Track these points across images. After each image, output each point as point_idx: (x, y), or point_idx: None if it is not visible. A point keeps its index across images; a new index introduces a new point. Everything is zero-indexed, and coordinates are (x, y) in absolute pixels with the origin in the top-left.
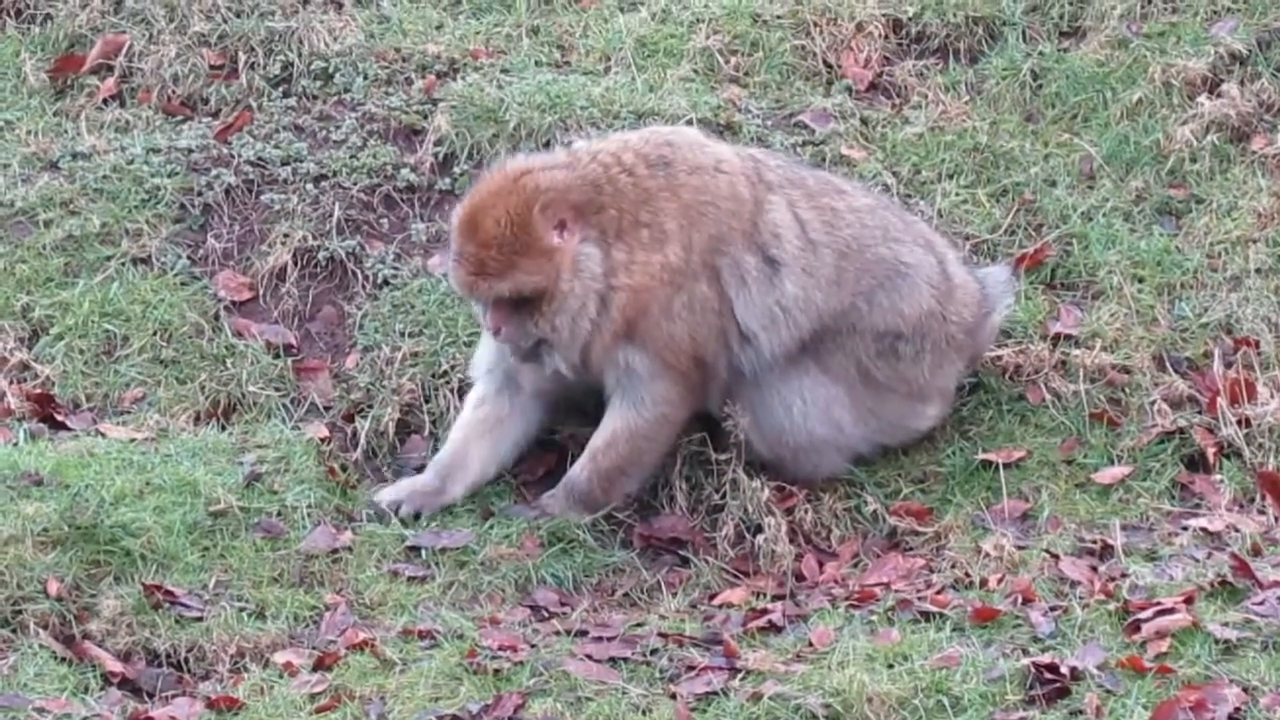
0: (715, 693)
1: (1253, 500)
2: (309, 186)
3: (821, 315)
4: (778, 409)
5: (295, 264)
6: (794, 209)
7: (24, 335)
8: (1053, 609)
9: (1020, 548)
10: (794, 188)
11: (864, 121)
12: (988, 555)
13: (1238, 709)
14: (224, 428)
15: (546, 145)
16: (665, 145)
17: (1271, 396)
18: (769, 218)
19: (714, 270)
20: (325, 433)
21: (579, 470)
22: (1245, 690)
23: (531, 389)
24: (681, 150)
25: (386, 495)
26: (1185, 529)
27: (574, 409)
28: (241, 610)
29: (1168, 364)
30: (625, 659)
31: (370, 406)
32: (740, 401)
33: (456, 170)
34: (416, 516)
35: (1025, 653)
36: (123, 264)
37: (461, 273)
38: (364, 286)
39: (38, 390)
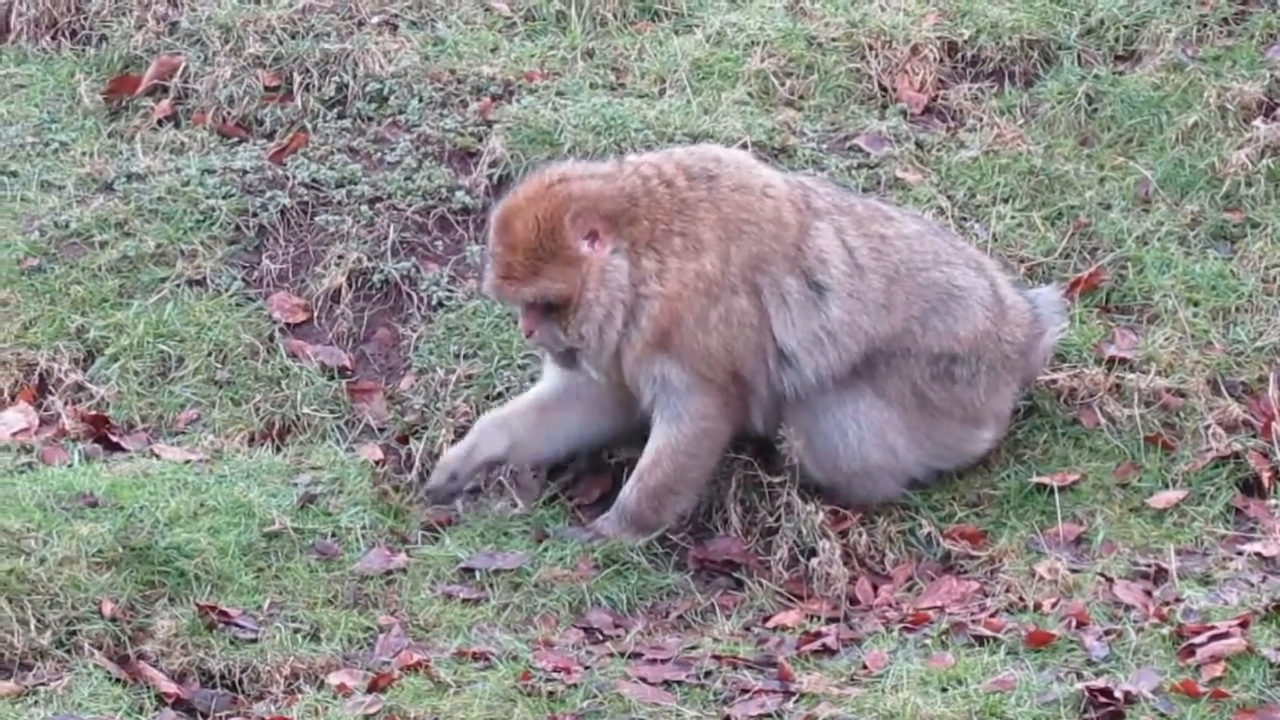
0: (769, 715)
1: None
2: (364, 208)
3: (872, 339)
4: (832, 433)
5: (350, 286)
6: (842, 236)
7: (79, 356)
8: (1107, 633)
9: (1074, 571)
10: (842, 215)
11: (919, 145)
12: (1042, 579)
13: None
14: (278, 449)
15: None
16: (712, 160)
17: None
18: (815, 243)
19: (754, 286)
20: (379, 454)
21: (628, 491)
22: None
23: (589, 396)
24: (728, 167)
25: (433, 476)
26: (1240, 553)
27: (634, 430)
28: (296, 631)
29: (1222, 388)
30: (679, 681)
31: (424, 428)
32: (794, 425)
33: None
34: (454, 478)
35: (1079, 677)
36: (177, 285)
37: (491, 275)
38: (419, 308)
39: (92, 411)
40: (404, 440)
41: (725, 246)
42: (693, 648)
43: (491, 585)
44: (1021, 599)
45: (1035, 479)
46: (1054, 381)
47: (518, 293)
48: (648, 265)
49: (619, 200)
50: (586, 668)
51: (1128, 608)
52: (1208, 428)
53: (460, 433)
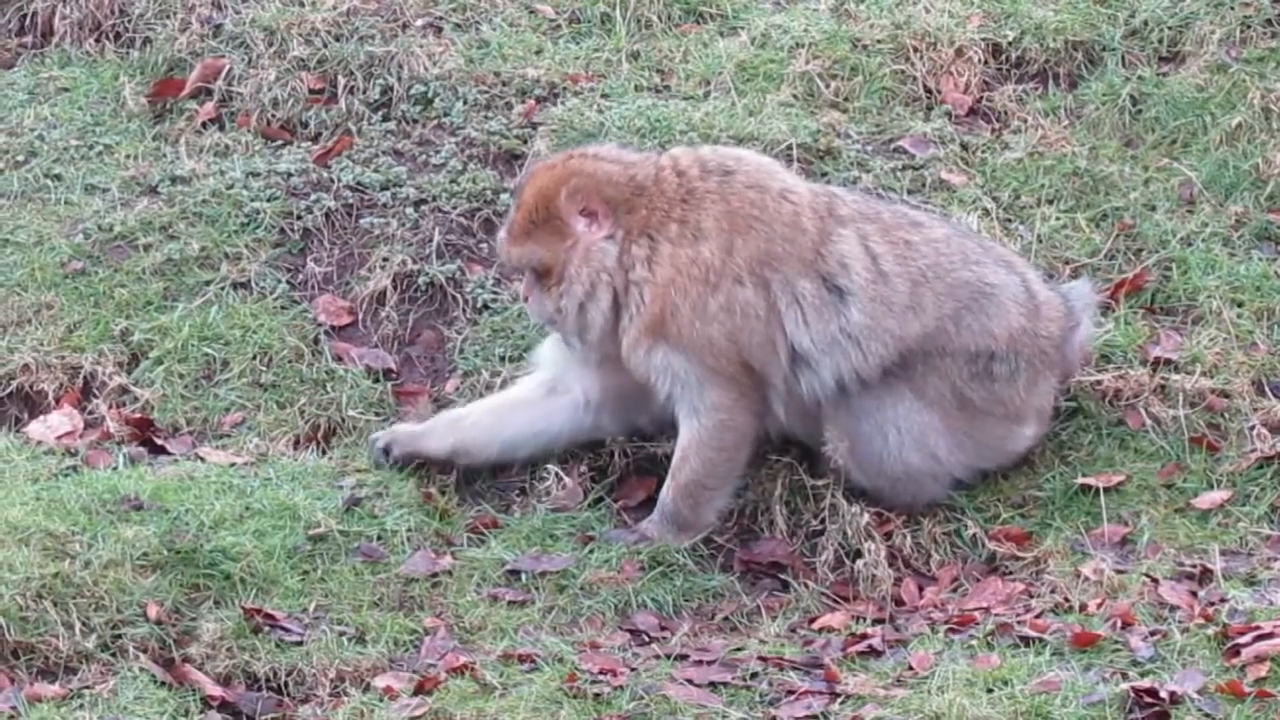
0: (815, 717)
1: None
2: (409, 211)
3: (902, 340)
4: (874, 438)
5: (395, 288)
6: (865, 242)
7: (123, 359)
8: (1152, 634)
9: (1120, 572)
10: (868, 222)
11: (964, 146)
12: (1087, 580)
13: None
14: (324, 452)
15: None
16: (733, 159)
17: None
18: (836, 248)
19: (762, 280)
20: None
21: (664, 491)
22: None
23: (579, 396)
24: (748, 166)
25: (381, 434)
26: None
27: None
28: (341, 634)
29: (1267, 389)
30: (725, 683)
31: None
32: (837, 429)
33: None
34: (387, 452)
35: (1125, 677)
36: (222, 288)
37: (500, 230)
38: (464, 311)
39: (137, 414)
40: None
41: (729, 238)
42: (738, 649)
43: (537, 587)
44: (1067, 600)
45: (1080, 480)
46: (1099, 383)
47: (508, 252)
48: (638, 252)
49: (624, 187)
50: (632, 670)
51: (1173, 608)
52: (1252, 428)
53: None
